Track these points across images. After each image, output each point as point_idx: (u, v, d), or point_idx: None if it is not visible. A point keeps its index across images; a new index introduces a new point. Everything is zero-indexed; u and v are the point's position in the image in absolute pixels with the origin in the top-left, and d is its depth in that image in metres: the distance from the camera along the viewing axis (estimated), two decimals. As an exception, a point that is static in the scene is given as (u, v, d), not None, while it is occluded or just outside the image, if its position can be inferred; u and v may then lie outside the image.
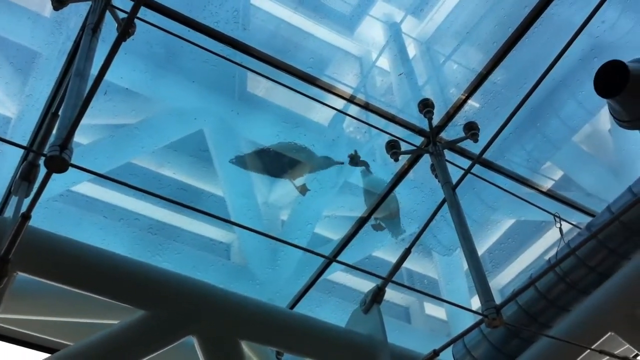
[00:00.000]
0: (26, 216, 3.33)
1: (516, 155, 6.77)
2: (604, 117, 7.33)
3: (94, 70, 3.12)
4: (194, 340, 4.44)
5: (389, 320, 5.01)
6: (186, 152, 7.00)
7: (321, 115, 7.25)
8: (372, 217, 6.02)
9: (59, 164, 2.92)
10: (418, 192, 6.66)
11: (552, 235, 7.54)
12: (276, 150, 6.60)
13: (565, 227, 5.81)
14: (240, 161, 6.65)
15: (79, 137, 6.41)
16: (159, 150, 6.81)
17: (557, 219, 5.65)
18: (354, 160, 6.42)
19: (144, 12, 3.87)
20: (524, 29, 4.88)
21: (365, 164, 6.47)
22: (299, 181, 6.55)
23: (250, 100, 7.18)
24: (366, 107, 5.69)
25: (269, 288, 6.14)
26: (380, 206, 5.88)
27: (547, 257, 6.43)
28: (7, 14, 6.25)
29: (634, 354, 5.29)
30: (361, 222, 6.02)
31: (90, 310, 4.57)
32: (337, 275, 7.41)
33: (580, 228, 5.73)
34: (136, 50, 6.11)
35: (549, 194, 6.30)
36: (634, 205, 4.69)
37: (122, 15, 3.71)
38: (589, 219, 5.99)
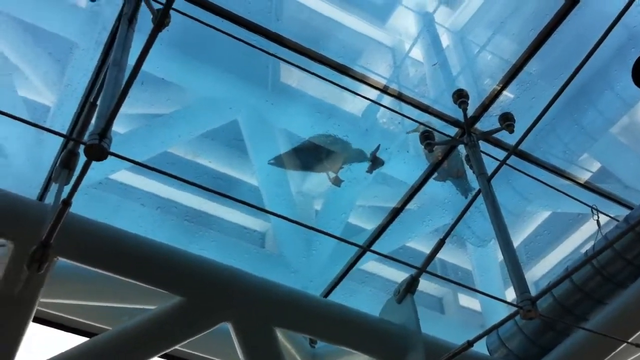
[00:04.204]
0: (67, 202, 3.37)
1: (552, 147, 6.69)
2: (642, 108, 7.22)
3: (131, 60, 3.15)
4: (229, 327, 4.50)
5: (422, 311, 5.00)
6: (221, 142, 7.06)
7: (354, 105, 7.26)
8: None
9: (99, 152, 2.94)
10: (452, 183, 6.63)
11: (588, 228, 7.45)
12: (311, 144, 6.62)
13: (603, 219, 5.73)
14: (279, 161, 6.70)
15: (116, 126, 6.46)
16: (194, 140, 6.89)
17: (595, 211, 5.58)
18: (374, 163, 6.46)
19: (178, 3, 3.90)
20: (559, 18, 4.80)
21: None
22: (333, 172, 6.58)
23: (283, 91, 7.21)
24: (399, 97, 5.67)
25: (303, 276, 6.18)
26: (444, 166, 5.89)
27: (583, 250, 6.36)
28: (44, 5, 6.35)
29: (671, 349, 5.21)
30: (395, 213, 6.01)
31: (128, 296, 4.64)
32: (370, 265, 7.42)
33: (618, 220, 5.66)
34: (171, 41, 6.18)
35: (586, 186, 6.23)
36: (674, 198, 4.62)
37: (156, 5, 3.73)
38: (627, 211, 5.91)
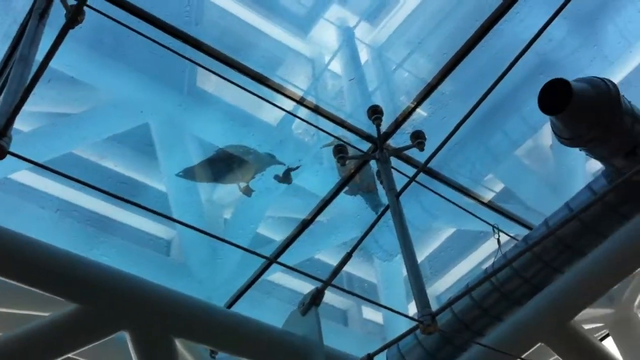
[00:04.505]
0: (-42, 201, 3.22)
1: (460, 166, 6.86)
2: (546, 133, 7.48)
3: (40, 56, 3.05)
4: (126, 336, 4.37)
5: (326, 323, 5.01)
6: (130, 145, 6.89)
7: (270, 115, 7.23)
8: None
9: None
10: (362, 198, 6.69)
11: (490, 246, 7.67)
12: (224, 153, 6.55)
13: (503, 238, 5.92)
14: (188, 173, 6.58)
15: (20, 124, 6.25)
16: (101, 142, 6.70)
17: (496, 230, 5.75)
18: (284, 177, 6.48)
19: (94, 0, 3.79)
20: (474, 42, 4.98)
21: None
22: (244, 182, 6.53)
23: (199, 96, 7.10)
24: (316, 110, 5.70)
25: (208, 286, 6.08)
26: (356, 180, 5.92)
27: (484, 267, 6.55)
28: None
29: (561, 366, 5.42)
30: (304, 224, 6.02)
31: (21, 302, 4.44)
32: (277, 276, 7.39)
33: (517, 240, 5.85)
34: (84, 39, 5.99)
35: (489, 205, 6.41)
36: (570, 221, 4.82)
37: (70, 1, 3.62)
38: (526, 231, 6.13)
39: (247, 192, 6.52)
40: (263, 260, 5.84)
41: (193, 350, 4.91)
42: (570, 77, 4.75)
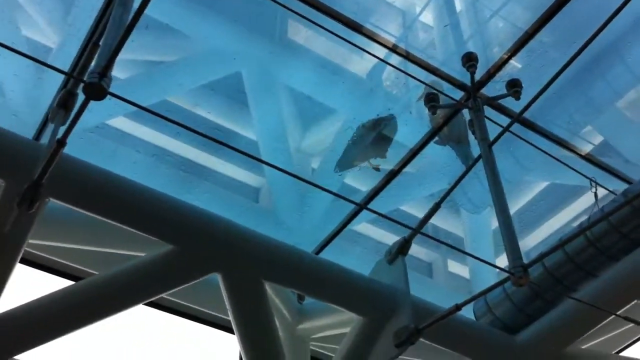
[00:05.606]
0: (61, 142, 3.31)
1: (557, 117, 6.58)
2: (651, 84, 7.10)
3: (136, 4, 3.09)
4: (218, 278, 4.49)
5: (411, 274, 4.97)
6: (222, 93, 6.97)
7: (360, 66, 7.14)
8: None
9: (98, 91, 2.88)
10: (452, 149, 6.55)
11: (585, 201, 7.38)
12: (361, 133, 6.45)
13: (601, 193, 5.70)
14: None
15: (117, 72, 6.43)
16: (195, 90, 6.80)
17: (593, 184, 5.55)
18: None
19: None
20: (575, -13, 4.72)
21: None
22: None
23: (289, 46, 7.09)
24: (407, 57, 5.57)
25: (295, 233, 6.13)
26: (446, 130, 5.80)
27: (577, 224, 6.34)
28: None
29: (658, 324, 5.22)
30: (391, 175, 5.97)
31: (118, 241, 4.63)
32: (363, 226, 7.37)
33: (615, 194, 5.62)
34: (180, -15, 6.07)
35: (587, 158, 6.16)
36: (674, 174, 4.58)
37: None
38: (625, 186, 5.87)
39: (377, 168, 6.44)
40: (350, 209, 5.84)
41: (281, 294, 5.03)
42: (682, 25, 4.47)
